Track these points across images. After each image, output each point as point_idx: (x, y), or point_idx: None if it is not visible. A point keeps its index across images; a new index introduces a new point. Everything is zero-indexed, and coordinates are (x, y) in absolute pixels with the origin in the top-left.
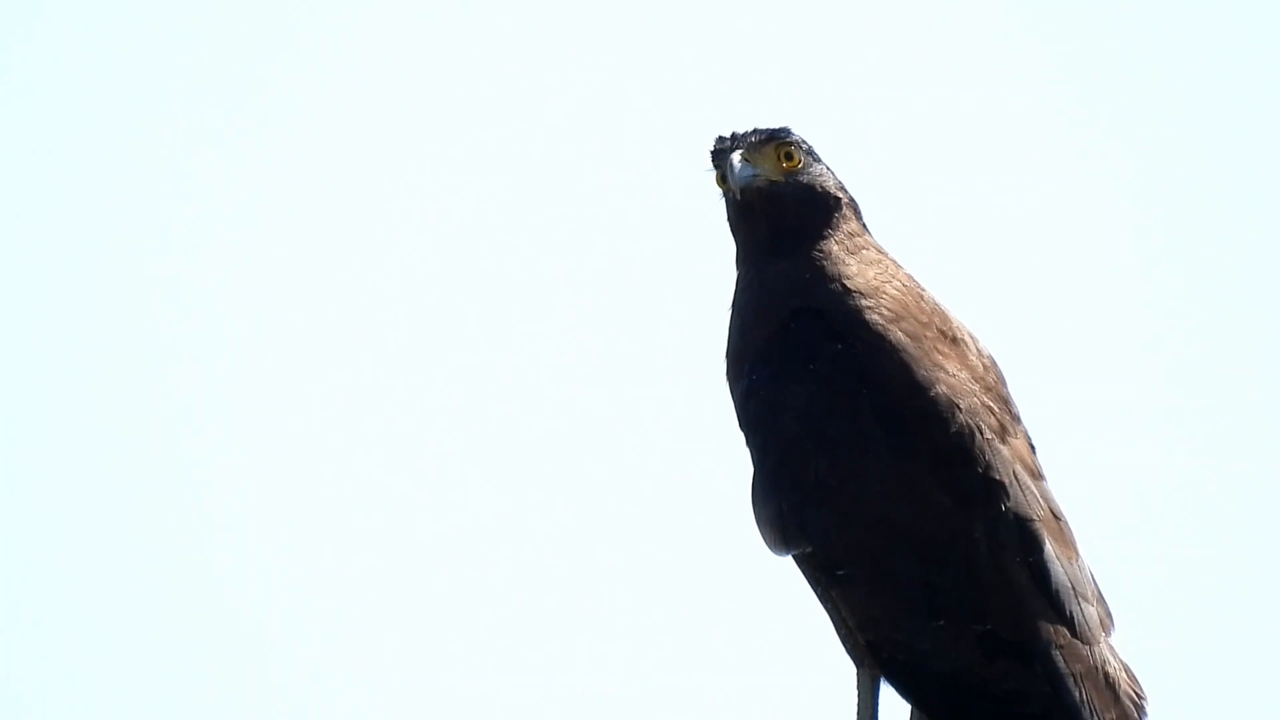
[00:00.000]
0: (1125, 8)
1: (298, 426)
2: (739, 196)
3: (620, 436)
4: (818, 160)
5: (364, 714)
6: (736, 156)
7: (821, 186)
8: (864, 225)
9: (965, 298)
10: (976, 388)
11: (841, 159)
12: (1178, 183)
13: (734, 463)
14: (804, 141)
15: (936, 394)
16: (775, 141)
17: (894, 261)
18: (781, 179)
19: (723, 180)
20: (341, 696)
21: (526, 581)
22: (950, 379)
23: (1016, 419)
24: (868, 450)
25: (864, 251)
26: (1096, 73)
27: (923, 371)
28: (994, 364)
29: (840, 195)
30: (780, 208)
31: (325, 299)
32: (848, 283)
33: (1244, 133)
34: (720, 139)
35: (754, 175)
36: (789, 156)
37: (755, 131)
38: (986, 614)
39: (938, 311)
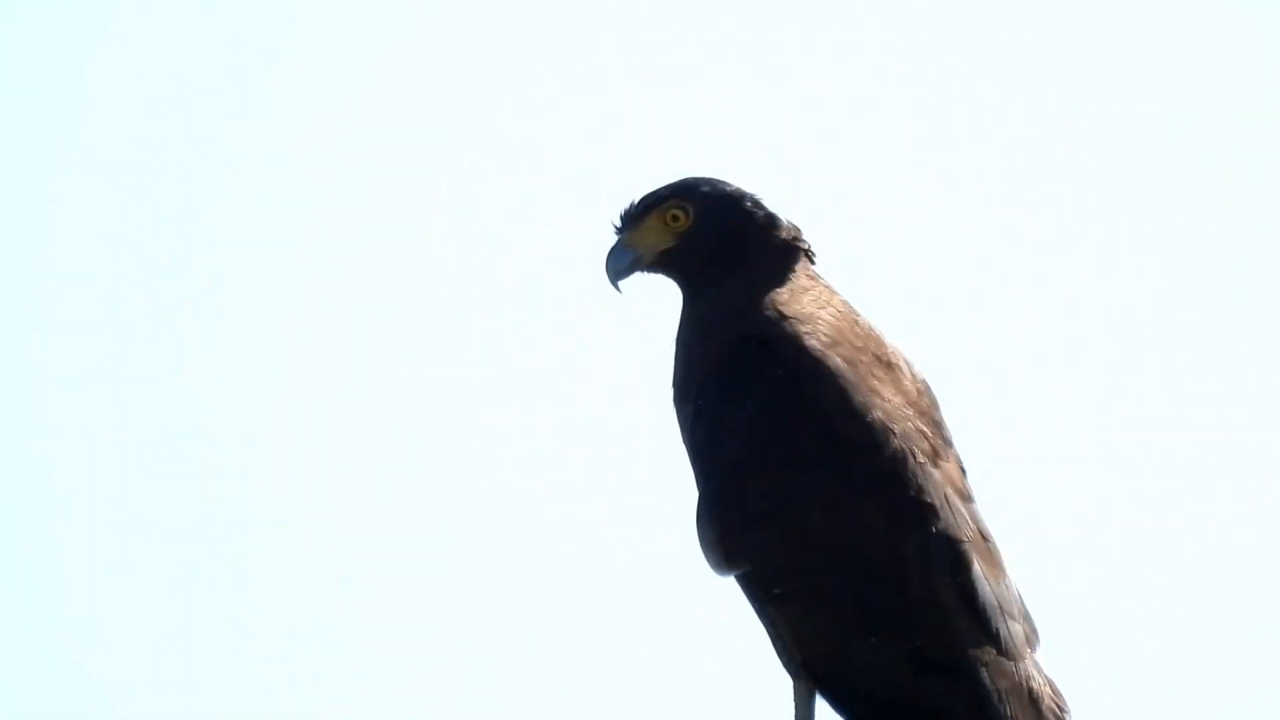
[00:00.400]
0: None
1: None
2: (618, 289)
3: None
4: (724, 199)
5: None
6: (611, 253)
7: (728, 222)
8: (800, 250)
9: (896, 321)
10: (910, 412)
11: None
12: (1102, 201)
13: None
14: (694, 190)
15: (872, 419)
16: (655, 210)
17: (828, 287)
18: (671, 243)
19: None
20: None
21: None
22: (885, 404)
23: (948, 443)
24: (806, 473)
25: (797, 279)
26: (1024, 93)
27: (859, 397)
28: (927, 389)
29: (759, 216)
30: (685, 263)
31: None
32: (784, 309)
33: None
34: (615, 224)
35: (633, 261)
36: (675, 218)
37: (630, 207)
38: (916, 632)
39: (872, 336)
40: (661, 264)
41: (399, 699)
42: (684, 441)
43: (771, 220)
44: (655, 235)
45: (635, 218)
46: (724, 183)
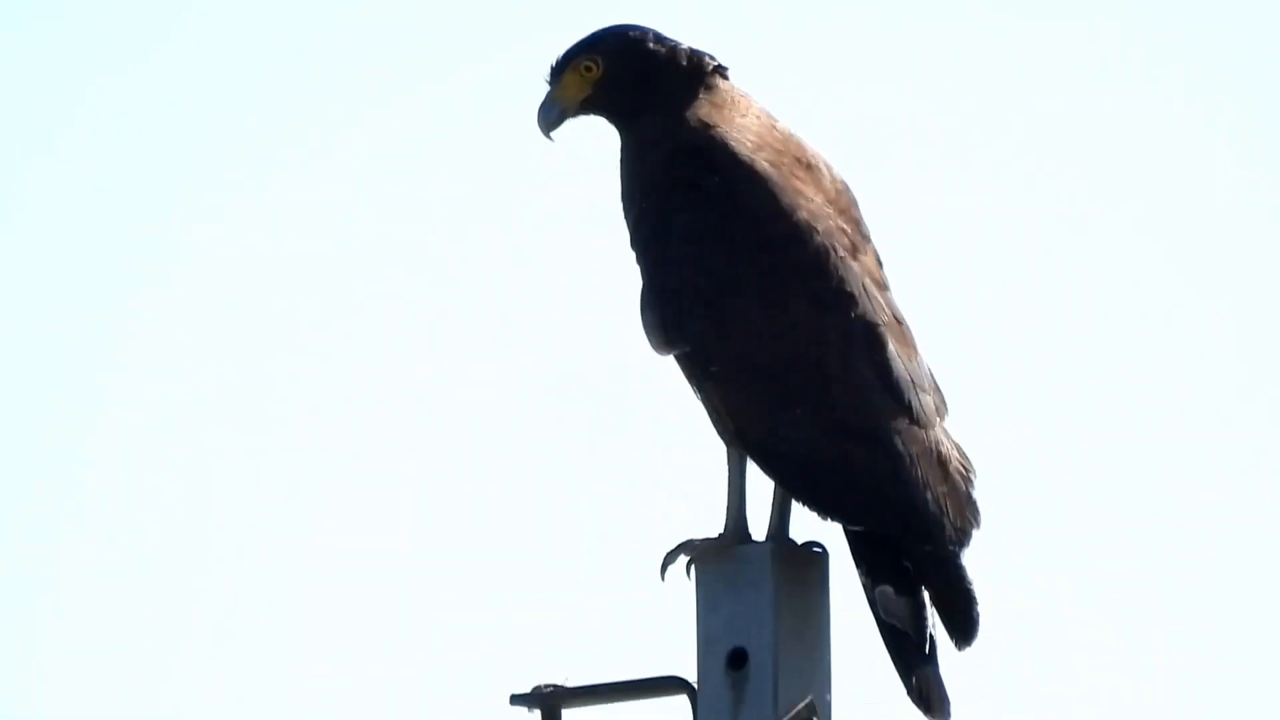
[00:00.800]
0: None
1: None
2: (550, 139)
3: None
4: (625, 39)
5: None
6: (540, 107)
7: (636, 63)
8: (713, 68)
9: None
10: (831, 210)
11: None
12: None
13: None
14: (598, 42)
15: (798, 219)
16: (569, 65)
17: (745, 96)
18: (589, 91)
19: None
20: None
21: None
22: (809, 204)
23: (866, 238)
24: (737, 267)
25: (716, 95)
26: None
27: (786, 199)
28: (846, 188)
29: (662, 53)
30: (609, 104)
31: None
32: (707, 120)
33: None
34: (546, 80)
35: (560, 113)
36: (588, 69)
37: (552, 65)
38: (836, 405)
39: (791, 140)
40: (586, 110)
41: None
42: (630, 239)
43: (674, 51)
44: (574, 88)
45: (556, 74)
46: (627, 27)
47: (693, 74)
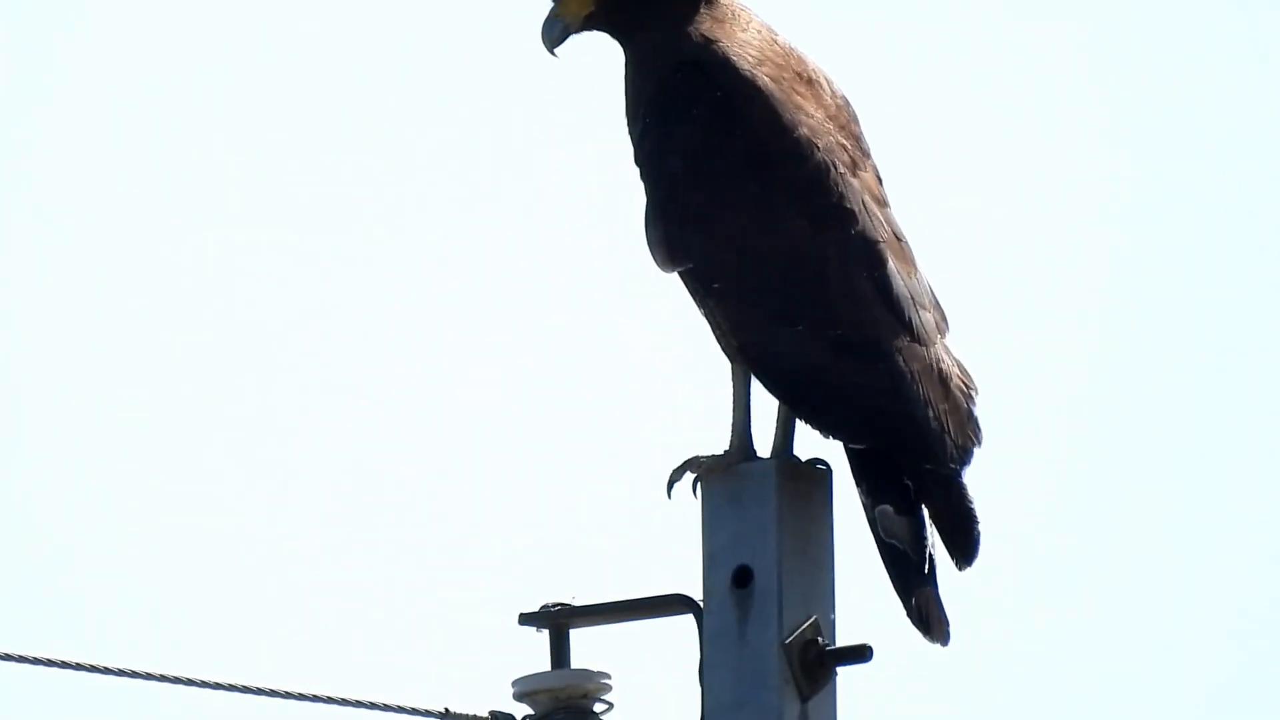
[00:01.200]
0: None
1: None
2: (554, 55)
3: None
4: None
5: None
6: (544, 24)
7: None
8: None
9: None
10: (831, 126)
11: None
12: None
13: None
14: None
15: (798, 135)
16: None
17: (745, 10)
18: (592, 7)
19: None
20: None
21: None
22: (809, 120)
23: (866, 154)
24: (738, 183)
25: (717, 9)
26: None
27: (786, 115)
28: (846, 104)
29: None
30: (612, 20)
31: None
32: (709, 35)
33: None
34: None
35: (563, 29)
36: None
37: None
38: (837, 321)
39: (792, 55)
40: (590, 26)
41: None
42: (634, 156)
43: None
44: (577, 4)
45: None
46: None
47: None
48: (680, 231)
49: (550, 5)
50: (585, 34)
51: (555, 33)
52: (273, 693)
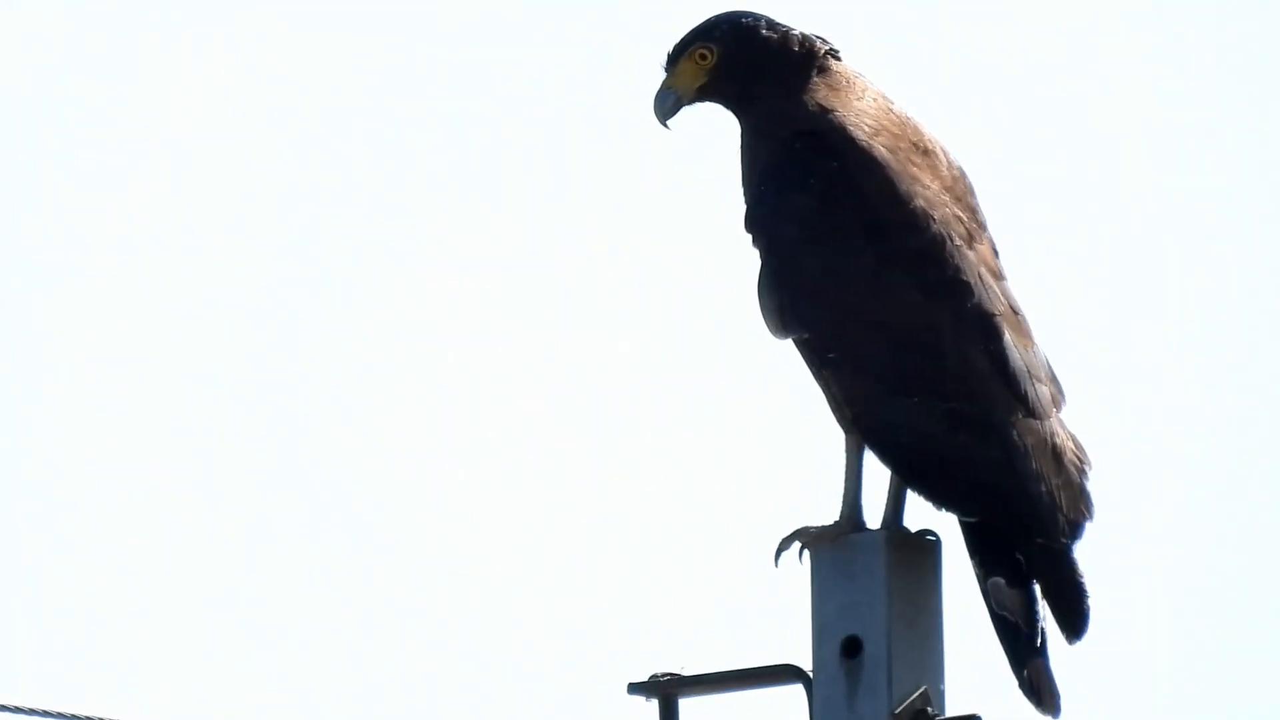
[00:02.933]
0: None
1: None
2: (667, 127)
3: None
4: (739, 27)
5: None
6: (656, 96)
7: (749, 50)
8: (828, 51)
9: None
10: (948, 198)
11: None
12: None
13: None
14: (712, 30)
15: (914, 206)
16: (684, 54)
17: (860, 78)
18: (705, 79)
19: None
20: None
21: None
22: (926, 191)
23: (983, 226)
24: (854, 253)
25: (832, 78)
26: None
27: (903, 185)
28: (963, 175)
29: (774, 38)
30: (724, 90)
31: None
32: (825, 104)
33: None
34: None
35: (675, 101)
36: (703, 57)
37: (668, 54)
38: (951, 394)
39: (909, 124)
40: (702, 97)
41: None
42: (745, 222)
43: (786, 36)
44: (690, 75)
45: (672, 62)
46: (740, 14)
47: (806, 58)
48: (795, 300)
49: (663, 77)
50: (698, 105)
51: (668, 104)
52: None
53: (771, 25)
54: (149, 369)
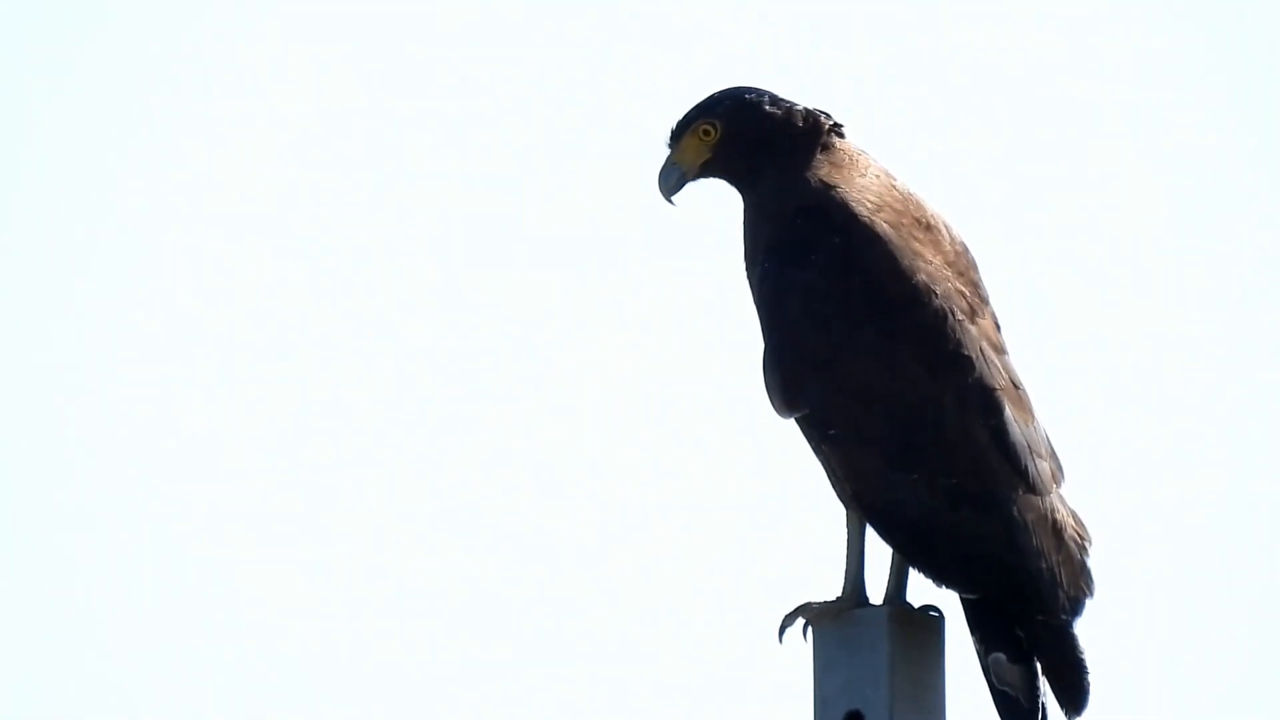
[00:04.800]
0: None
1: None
2: (671, 203)
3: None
4: (742, 103)
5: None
6: (661, 172)
7: (753, 125)
8: (829, 127)
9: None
10: (950, 273)
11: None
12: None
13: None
14: (716, 105)
15: (916, 281)
16: (688, 129)
17: (863, 155)
18: (709, 154)
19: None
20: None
21: None
22: (928, 267)
23: (985, 301)
24: (856, 329)
25: (835, 154)
26: None
27: (905, 261)
28: (965, 250)
29: (779, 114)
30: (728, 166)
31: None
32: (828, 180)
33: None
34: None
35: (680, 177)
36: (706, 133)
37: (670, 133)
38: (952, 469)
39: (911, 200)
40: (706, 173)
41: None
42: (753, 299)
43: (789, 113)
44: (694, 151)
45: (675, 138)
46: (744, 90)
47: (810, 134)
48: (797, 376)
49: (666, 153)
50: (701, 180)
51: (672, 180)
52: None
53: (775, 101)
54: (149, 369)
